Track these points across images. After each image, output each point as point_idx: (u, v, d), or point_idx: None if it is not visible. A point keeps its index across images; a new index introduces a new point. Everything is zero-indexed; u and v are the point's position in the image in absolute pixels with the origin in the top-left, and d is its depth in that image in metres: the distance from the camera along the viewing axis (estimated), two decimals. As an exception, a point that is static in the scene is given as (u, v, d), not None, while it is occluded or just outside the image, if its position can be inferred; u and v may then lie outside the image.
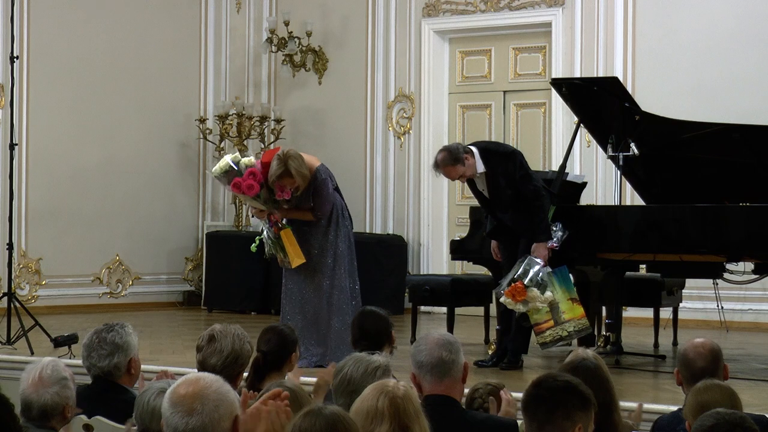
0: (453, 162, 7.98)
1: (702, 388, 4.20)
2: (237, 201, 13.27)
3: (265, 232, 8.12)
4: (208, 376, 3.02)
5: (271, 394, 3.20)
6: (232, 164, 8.00)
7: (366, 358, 4.17)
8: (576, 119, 9.05)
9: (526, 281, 7.75)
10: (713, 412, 3.49)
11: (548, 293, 7.77)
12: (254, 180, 7.93)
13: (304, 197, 8.06)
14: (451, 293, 9.24)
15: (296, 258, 8.00)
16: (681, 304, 9.63)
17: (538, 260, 7.81)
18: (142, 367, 4.91)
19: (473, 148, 8.07)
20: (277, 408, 3.14)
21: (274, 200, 8.03)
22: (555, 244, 7.94)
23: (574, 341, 8.91)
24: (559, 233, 7.98)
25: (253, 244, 8.28)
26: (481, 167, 8.05)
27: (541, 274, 7.77)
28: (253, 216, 8.22)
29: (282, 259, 8.08)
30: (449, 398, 4.15)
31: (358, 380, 4.07)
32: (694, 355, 4.78)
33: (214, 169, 8.18)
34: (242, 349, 4.73)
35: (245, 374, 5.05)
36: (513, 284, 7.75)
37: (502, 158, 8.16)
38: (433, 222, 12.52)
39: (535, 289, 7.74)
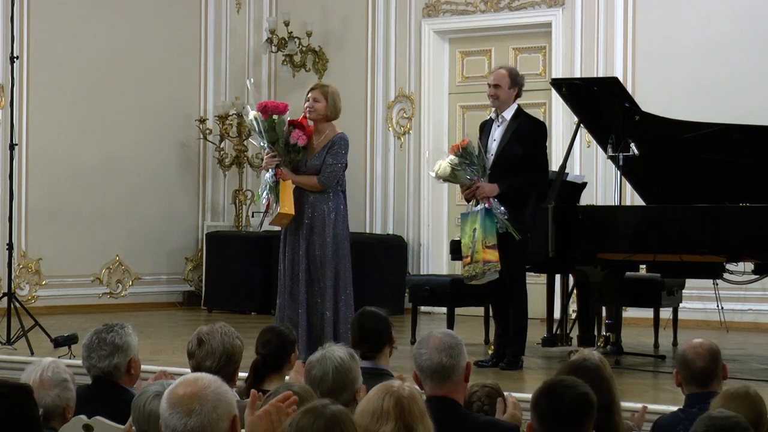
0: (511, 81, 8.14)
1: (733, 395, 4.14)
2: (237, 201, 13.27)
3: (267, 176, 8.00)
4: (206, 377, 3.01)
5: (281, 396, 3.20)
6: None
7: (329, 354, 4.22)
8: (576, 119, 9.05)
9: (460, 169, 8.00)
10: (706, 416, 3.50)
11: (446, 168, 8.02)
12: (282, 106, 8.02)
13: (317, 157, 7.97)
14: (451, 293, 9.23)
15: (286, 207, 7.85)
16: (681, 305, 9.63)
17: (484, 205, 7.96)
18: (142, 367, 4.91)
19: (518, 103, 8.20)
20: (279, 409, 3.13)
21: (286, 146, 7.96)
22: (492, 205, 7.93)
23: (575, 341, 8.94)
24: (502, 208, 7.95)
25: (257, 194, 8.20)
26: (509, 115, 8.15)
27: (478, 208, 7.96)
28: (263, 166, 8.12)
29: (273, 210, 7.92)
30: (451, 400, 4.15)
31: (329, 380, 4.15)
32: (693, 355, 4.77)
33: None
34: (233, 346, 4.72)
35: (244, 374, 5.05)
36: (460, 144, 8.10)
37: (533, 122, 8.26)
38: (433, 222, 12.52)
39: (457, 170, 8.00)
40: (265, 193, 7.98)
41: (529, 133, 8.11)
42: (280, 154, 7.95)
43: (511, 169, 8.03)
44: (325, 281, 7.87)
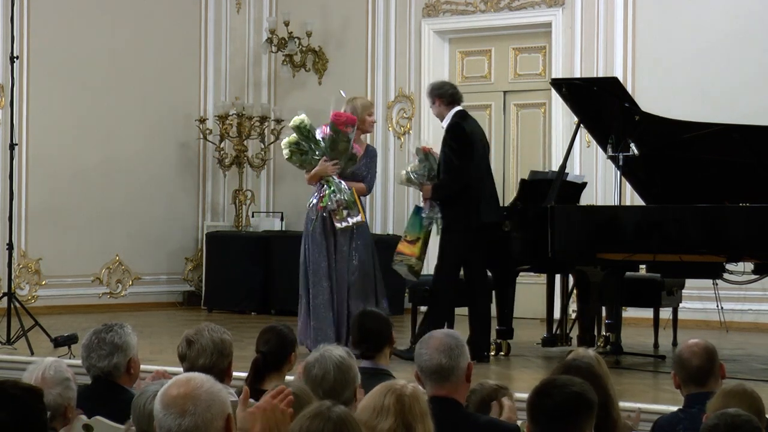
0: (430, 97, 8.74)
1: (730, 392, 4.14)
2: (237, 201, 13.27)
3: (342, 185, 8.50)
4: (199, 376, 3.01)
5: (274, 392, 3.20)
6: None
7: (328, 354, 4.23)
8: (576, 119, 9.05)
9: (414, 174, 8.73)
10: (720, 413, 3.51)
11: (402, 175, 8.84)
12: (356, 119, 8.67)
13: (359, 166, 8.71)
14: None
15: (362, 214, 8.57)
16: (681, 305, 9.63)
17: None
18: (142, 367, 4.91)
19: (456, 108, 8.58)
20: (274, 407, 3.13)
21: (349, 156, 8.60)
22: (428, 205, 8.60)
23: (575, 341, 8.94)
24: (436, 208, 8.56)
25: (324, 198, 8.52)
26: (445, 124, 8.68)
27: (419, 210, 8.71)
28: (324, 172, 8.60)
29: (344, 217, 8.44)
30: (452, 400, 4.15)
31: (331, 378, 4.16)
32: (689, 354, 4.78)
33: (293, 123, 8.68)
34: (222, 340, 4.74)
35: (244, 374, 5.06)
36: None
37: (448, 126, 8.72)
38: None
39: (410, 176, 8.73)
40: (338, 197, 8.45)
41: (444, 139, 8.59)
42: (341, 163, 8.53)
43: (442, 172, 8.56)
44: (372, 282, 8.53)
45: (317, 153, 8.52)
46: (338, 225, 8.44)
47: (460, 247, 8.41)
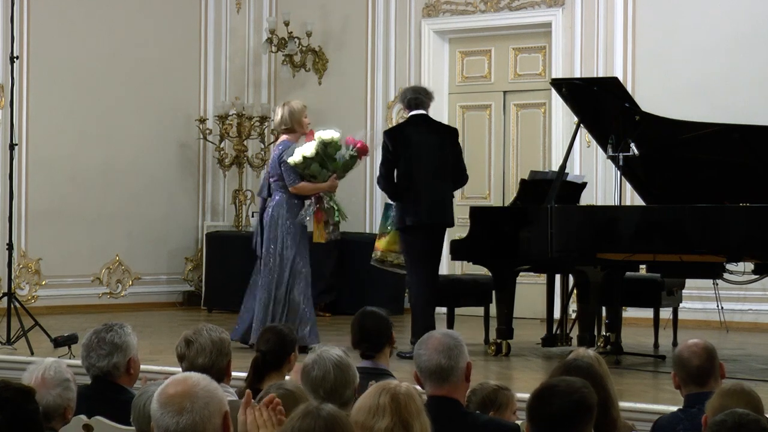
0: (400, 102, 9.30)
1: (728, 391, 4.14)
2: (237, 201, 13.27)
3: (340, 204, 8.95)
4: (196, 375, 3.01)
5: (266, 400, 3.19)
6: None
7: (326, 354, 4.24)
8: (576, 119, 9.05)
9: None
10: (729, 412, 3.50)
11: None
12: None
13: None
14: (451, 293, 9.24)
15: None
16: (681, 305, 9.63)
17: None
18: (142, 367, 4.91)
19: (411, 113, 8.90)
20: (267, 418, 3.14)
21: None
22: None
23: (575, 341, 8.94)
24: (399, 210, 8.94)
25: (334, 213, 8.87)
26: None
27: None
28: (331, 188, 8.96)
29: (331, 231, 8.85)
30: (452, 400, 4.15)
31: (331, 378, 4.16)
32: (688, 354, 4.78)
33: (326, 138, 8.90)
34: (221, 339, 4.76)
35: (244, 374, 5.06)
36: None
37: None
38: (433, 222, 12.50)
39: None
40: (337, 214, 8.84)
41: None
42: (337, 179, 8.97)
43: None
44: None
45: (329, 169, 8.78)
46: (318, 239, 8.84)
47: (408, 247, 8.79)
